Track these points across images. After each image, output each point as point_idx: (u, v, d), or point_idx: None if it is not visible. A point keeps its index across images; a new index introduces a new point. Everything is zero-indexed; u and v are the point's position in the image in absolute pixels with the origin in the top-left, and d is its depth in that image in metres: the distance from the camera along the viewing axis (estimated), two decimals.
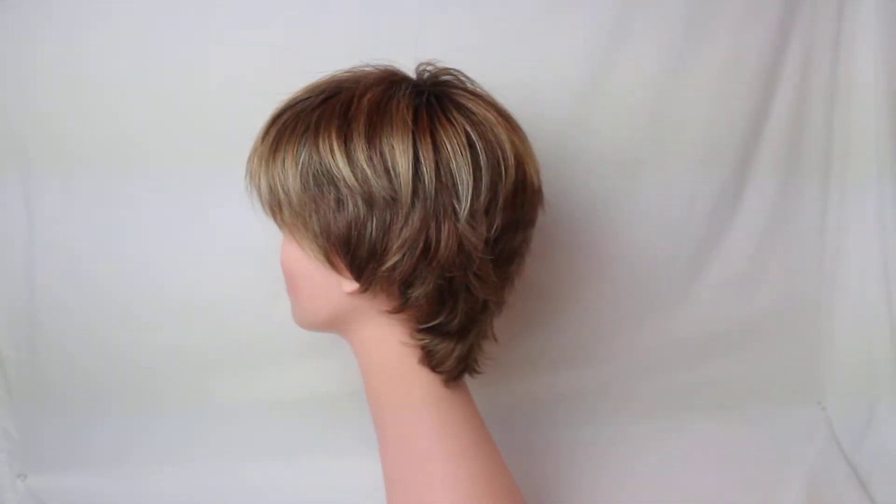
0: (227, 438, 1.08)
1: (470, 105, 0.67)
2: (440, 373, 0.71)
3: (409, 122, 0.62)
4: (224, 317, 1.04)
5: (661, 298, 1.09)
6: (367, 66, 0.71)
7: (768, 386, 1.15)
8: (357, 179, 0.62)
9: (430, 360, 0.70)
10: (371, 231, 0.62)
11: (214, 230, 1.01)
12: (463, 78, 0.71)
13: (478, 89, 0.71)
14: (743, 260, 1.09)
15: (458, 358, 0.71)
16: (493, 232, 0.65)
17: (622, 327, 1.10)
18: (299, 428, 1.08)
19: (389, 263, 0.63)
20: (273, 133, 0.67)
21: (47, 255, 1.01)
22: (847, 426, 1.12)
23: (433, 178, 0.62)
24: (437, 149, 0.62)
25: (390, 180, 0.62)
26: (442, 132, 0.63)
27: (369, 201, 0.62)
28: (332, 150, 0.63)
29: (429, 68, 0.71)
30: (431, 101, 0.65)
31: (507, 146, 0.66)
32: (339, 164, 0.62)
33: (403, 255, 0.63)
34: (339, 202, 0.63)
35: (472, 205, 0.62)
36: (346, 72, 0.70)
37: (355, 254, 0.64)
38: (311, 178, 0.64)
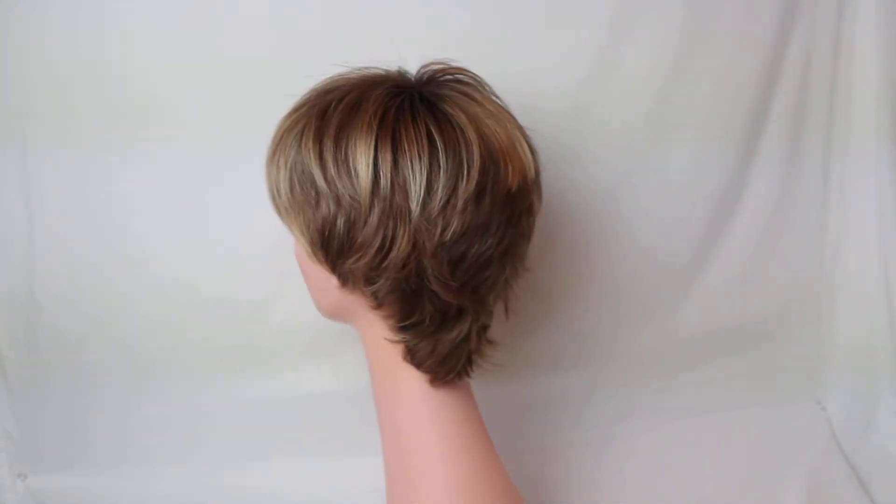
0: (227, 438, 1.08)
1: (446, 104, 0.66)
2: (425, 371, 0.71)
3: (375, 124, 0.64)
4: (225, 316, 1.04)
5: (661, 298, 1.10)
6: (375, 67, 0.72)
7: (768, 386, 1.15)
8: (326, 180, 0.64)
9: (412, 357, 0.70)
10: (339, 229, 0.65)
11: (214, 229, 1.01)
12: (462, 76, 0.71)
13: (473, 86, 0.70)
14: (743, 260, 1.09)
15: (440, 359, 0.70)
16: (448, 234, 0.63)
17: (622, 327, 1.10)
18: (300, 428, 1.08)
19: (351, 260, 0.65)
20: (277, 134, 0.70)
21: (47, 255, 1.01)
22: (847, 426, 1.13)
23: (389, 179, 0.63)
24: (395, 149, 0.63)
25: (352, 181, 0.64)
26: (404, 132, 0.64)
27: (337, 201, 0.64)
28: (310, 152, 0.66)
29: (435, 67, 0.71)
30: (405, 101, 0.66)
31: (477, 146, 0.64)
32: (314, 166, 0.65)
33: (362, 253, 0.64)
34: (317, 202, 0.65)
35: (423, 206, 0.63)
36: (355, 70, 0.71)
37: (327, 250, 0.67)
38: (296, 178, 0.67)
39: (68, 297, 1.03)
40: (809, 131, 1.07)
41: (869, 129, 1.05)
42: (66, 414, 1.07)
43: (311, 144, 0.66)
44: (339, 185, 0.64)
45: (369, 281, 0.66)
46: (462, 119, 0.65)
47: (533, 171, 0.68)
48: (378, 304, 0.68)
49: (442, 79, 0.70)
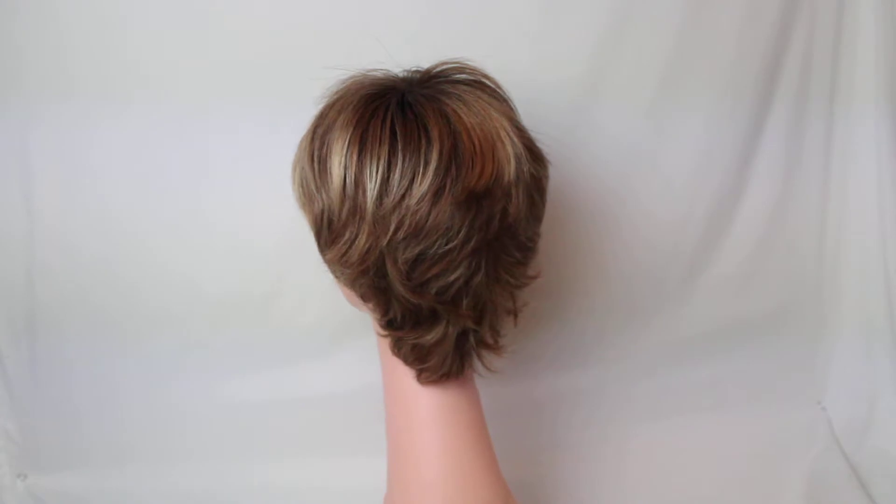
0: (227, 438, 1.08)
1: (424, 104, 0.66)
2: (410, 367, 0.72)
3: (351, 124, 0.65)
4: (225, 316, 1.04)
5: (661, 298, 1.09)
6: (381, 70, 0.72)
7: (768, 386, 1.15)
8: (314, 178, 0.67)
9: (398, 351, 0.71)
10: (325, 225, 0.67)
11: (213, 229, 1.01)
12: (463, 75, 0.71)
13: (471, 85, 0.69)
14: (743, 260, 1.09)
15: (421, 358, 0.70)
16: (401, 233, 0.63)
17: (622, 327, 1.10)
18: (301, 427, 1.08)
19: (328, 255, 0.68)
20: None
21: (47, 254, 1.01)
22: (847, 426, 1.12)
23: (353, 177, 0.64)
24: (361, 148, 0.64)
25: (327, 179, 0.66)
26: (371, 132, 0.64)
27: (322, 198, 0.67)
28: (305, 152, 0.69)
29: (441, 67, 0.71)
30: (385, 102, 0.66)
31: (438, 145, 0.63)
32: (307, 165, 0.68)
33: (336, 250, 0.66)
34: (312, 199, 0.68)
35: (379, 203, 0.63)
36: (367, 71, 0.72)
37: (319, 245, 0.70)
38: (299, 177, 0.70)
39: (68, 296, 1.03)
40: (809, 131, 1.07)
41: (869, 129, 1.05)
42: (66, 414, 1.07)
43: (306, 145, 0.69)
44: (322, 184, 0.66)
45: (337, 275, 0.70)
46: (430, 118, 0.64)
47: (512, 174, 0.65)
48: (364, 299, 0.70)
49: (436, 78, 0.70)
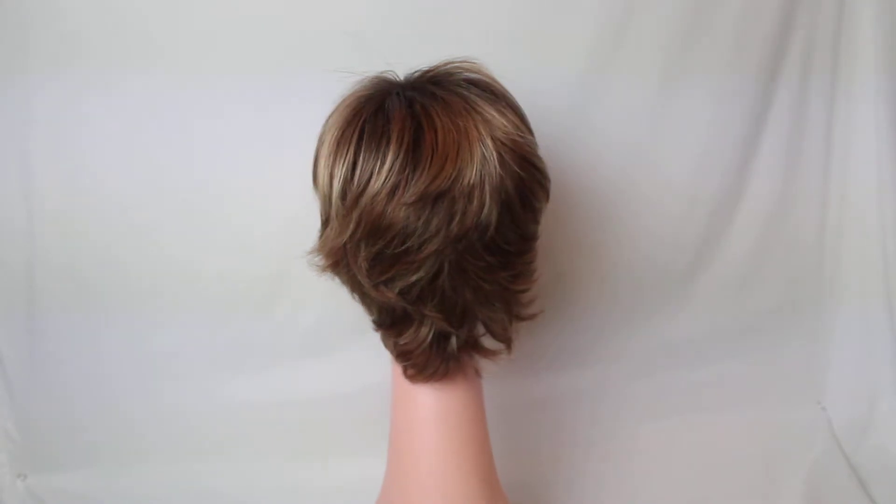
0: (227, 438, 1.08)
1: (396, 103, 0.66)
2: (397, 362, 0.72)
3: (339, 124, 0.67)
4: (226, 315, 1.04)
5: (661, 298, 1.09)
6: (389, 71, 0.73)
7: (768, 386, 1.15)
8: (313, 174, 0.70)
9: (386, 346, 0.72)
10: (322, 217, 0.70)
11: (215, 229, 1.01)
12: (458, 74, 0.70)
13: (459, 85, 0.68)
14: (743, 260, 1.09)
15: (401, 355, 0.71)
16: (359, 231, 0.64)
17: (622, 327, 1.10)
18: (301, 428, 1.08)
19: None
20: None
21: (47, 253, 1.01)
22: (847, 426, 1.12)
23: (329, 175, 0.66)
24: (336, 148, 0.66)
25: (316, 175, 0.69)
26: (345, 131, 0.66)
27: (316, 193, 0.70)
28: (315, 150, 0.70)
29: (443, 68, 0.71)
30: (371, 102, 0.67)
31: (396, 143, 0.63)
32: (315, 162, 0.70)
33: (319, 240, 0.69)
34: (316, 194, 0.71)
35: (342, 200, 0.65)
36: (379, 73, 0.72)
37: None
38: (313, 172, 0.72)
39: (68, 296, 1.03)
40: (809, 131, 1.06)
41: (869, 130, 1.05)
42: (66, 414, 1.07)
43: (316, 143, 0.70)
44: (314, 179, 0.70)
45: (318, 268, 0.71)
46: (396, 117, 0.64)
47: (474, 176, 0.62)
48: (352, 293, 0.71)
49: (433, 78, 0.70)
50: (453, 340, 0.70)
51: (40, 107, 0.96)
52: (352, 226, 0.64)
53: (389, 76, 0.72)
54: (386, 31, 0.93)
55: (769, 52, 1.01)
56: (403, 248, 0.63)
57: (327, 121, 0.69)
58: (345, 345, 1.04)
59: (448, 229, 0.63)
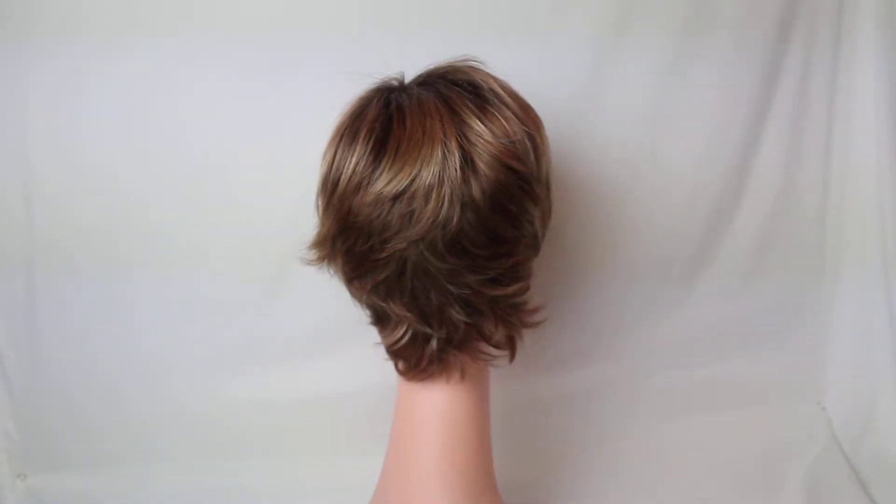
0: (228, 438, 1.08)
1: (382, 105, 0.67)
2: (389, 357, 0.73)
3: (338, 122, 0.70)
4: (225, 315, 1.04)
5: (661, 298, 1.09)
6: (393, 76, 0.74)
7: (768, 386, 1.15)
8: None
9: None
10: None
11: (215, 230, 1.01)
12: (452, 76, 0.70)
13: (449, 87, 0.68)
14: (743, 259, 1.09)
15: (392, 351, 0.71)
16: (331, 228, 0.67)
17: (622, 327, 1.10)
18: (302, 428, 1.08)
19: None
20: None
21: (47, 253, 1.01)
22: (847, 426, 1.12)
23: (321, 170, 0.70)
24: (328, 145, 0.69)
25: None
26: (339, 128, 0.69)
27: None
28: None
29: (446, 68, 0.72)
30: (366, 103, 0.70)
31: (363, 143, 0.65)
32: None
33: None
34: None
35: (323, 196, 0.68)
36: (388, 77, 0.74)
37: None
38: None
39: (68, 295, 1.03)
40: (810, 131, 1.07)
41: (870, 131, 1.05)
42: (66, 414, 1.07)
43: None
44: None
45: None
46: (370, 115, 0.67)
47: (432, 177, 0.62)
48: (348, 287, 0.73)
49: (425, 80, 0.71)
50: (433, 341, 0.69)
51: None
52: (328, 221, 0.67)
53: (390, 78, 0.72)
54: (386, 30, 0.93)
55: (771, 44, 1.01)
56: (368, 245, 0.65)
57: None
58: (345, 345, 1.04)
59: (408, 229, 0.63)
